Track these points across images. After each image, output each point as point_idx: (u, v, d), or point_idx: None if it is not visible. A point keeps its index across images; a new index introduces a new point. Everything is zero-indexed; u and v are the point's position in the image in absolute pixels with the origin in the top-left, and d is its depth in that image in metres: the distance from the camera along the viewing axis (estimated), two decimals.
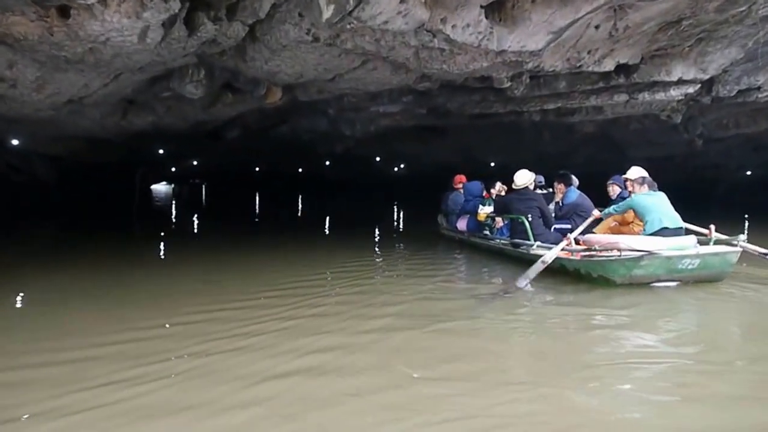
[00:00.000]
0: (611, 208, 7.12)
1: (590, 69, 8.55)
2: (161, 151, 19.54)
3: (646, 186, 6.79)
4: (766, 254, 6.61)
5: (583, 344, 4.23)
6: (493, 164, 24.63)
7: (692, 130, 17.37)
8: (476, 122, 13.41)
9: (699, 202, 23.26)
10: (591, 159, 23.32)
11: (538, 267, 6.12)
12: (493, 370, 3.66)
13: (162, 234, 12.86)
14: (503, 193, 9.13)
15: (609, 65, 8.64)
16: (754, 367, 3.75)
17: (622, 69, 9.27)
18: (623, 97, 9.92)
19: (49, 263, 7.93)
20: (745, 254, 6.56)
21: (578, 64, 8.40)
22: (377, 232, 12.46)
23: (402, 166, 30.17)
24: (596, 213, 7.41)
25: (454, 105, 10.90)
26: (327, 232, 13.93)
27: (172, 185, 40.48)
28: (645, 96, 9.76)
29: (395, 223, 16.38)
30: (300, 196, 30.26)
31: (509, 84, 9.00)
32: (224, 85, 9.25)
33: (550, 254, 6.31)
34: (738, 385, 3.44)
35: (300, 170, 34.08)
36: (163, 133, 11.98)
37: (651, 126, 17.01)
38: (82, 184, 17.92)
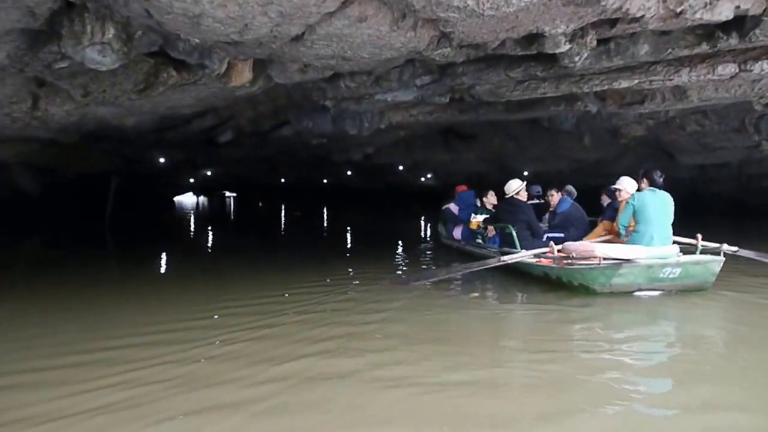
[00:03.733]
0: (621, 221, 6.22)
1: (696, 17, 5.12)
2: (162, 160, 16.74)
3: (646, 181, 6.09)
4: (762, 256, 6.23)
5: (555, 354, 3.87)
6: (526, 173, 21.23)
7: (765, 131, 14.07)
8: (513, 117, 10.02)
9: (757, 217, 19.53)
10: (635, 168, 19.86)
11: (489, 263, 6.06)
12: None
13: (135, 252, 9.95)
14: (495, 202, 8.81)
15: (724, 11, 5.20)
16: (727, 378, 3.45)
17: (734, 24, 5.81)
18: (730, 69, 6.35)
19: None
20: (736, 263, 6.31)
21: (679, 9, 4.99)
22: (399, 243, 11.48)
23: (429, 176, 26.86)
24: (606, 224, 6.99)
25: (485, 88, 7.50)
26: (349, 240, 12.98)
27: (198, 197, 37.93)
28: (764, 66, 6.23)
29: (422, 235, 14.40)
30: (325, 208, 27.54)
31: (568, 47, 5.62)
32: (160, 57, 6.12)
33: (512, 257, 6.21)
34: (708, 393, 3.20)
35: (325, 181, 31.14)
36: (115, 132, 8.96)
37: (711, 128, 14.02)
38: (68, 196, 15.14)
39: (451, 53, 6.05)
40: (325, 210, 26.72)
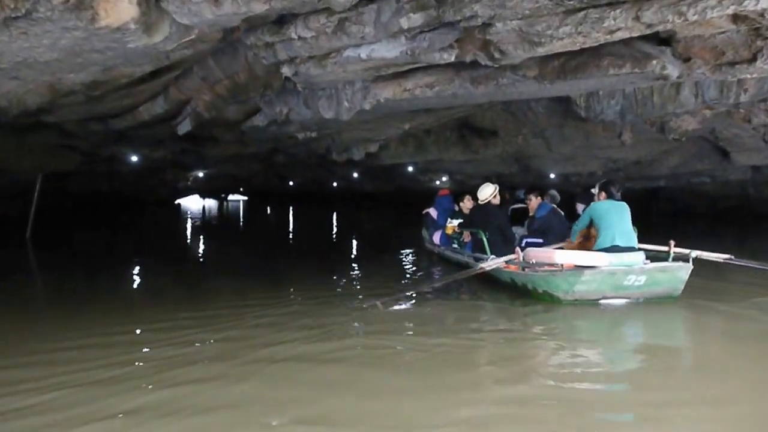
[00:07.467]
0: (574, 227, 6.36)
1: None
2: (135, 158, 14.16)
3: (604, 194, 5.98)
4: (730, 259, 5.88)
5: (509, 361, 3.77)
6: (553, 176, 18.23)
7: None
8: (549, 92, 7.03)
9: None
10: (680, 168, 16.86)
11: (453, 277, 6.03)
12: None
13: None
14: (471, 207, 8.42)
15: None
16: (682, 388, 3.27)
17: None
18: None
19: None
20: (711, 270, 6.11)
21: None
22: (406, 250, 10.68)
23: (444, 179, 23.98)
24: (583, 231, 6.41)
25: (512, 27, 4.37)
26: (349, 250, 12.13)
27: (204, 200, 35.64)
28: None
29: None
30: (334, 214, 25.10)
31: None
32: None
33: (488, 264, 5.98)
34: (661, 403, 3.00)
35: (335, 184, 28.45)
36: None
37: None
38: (13, 200, 12.64)
39: None
40: (334, 216, 24.41)
